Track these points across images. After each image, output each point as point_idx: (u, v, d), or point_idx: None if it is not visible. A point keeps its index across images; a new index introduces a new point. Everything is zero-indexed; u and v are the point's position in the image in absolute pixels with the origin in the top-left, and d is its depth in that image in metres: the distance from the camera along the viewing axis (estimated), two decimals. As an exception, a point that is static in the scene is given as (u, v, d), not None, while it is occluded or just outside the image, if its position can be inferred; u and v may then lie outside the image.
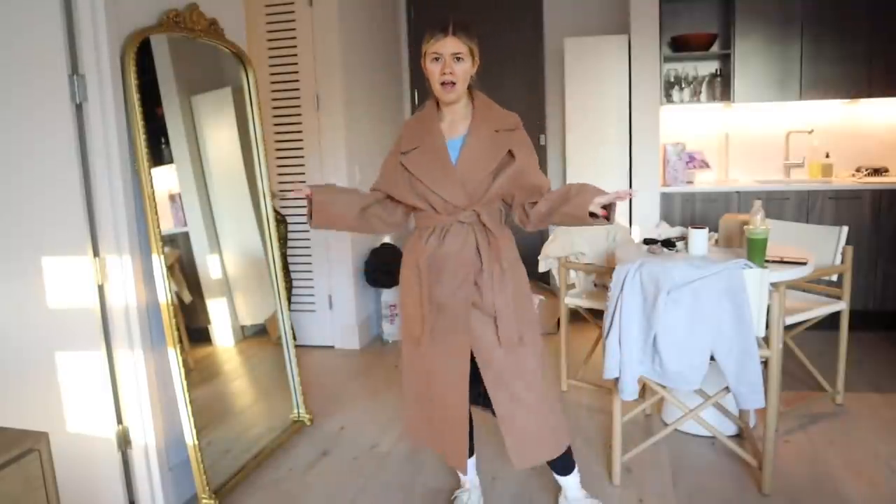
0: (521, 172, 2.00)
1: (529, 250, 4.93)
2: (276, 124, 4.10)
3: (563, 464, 2.19)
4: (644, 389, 2.80)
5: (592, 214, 1.94)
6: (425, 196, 1.99)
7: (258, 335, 3.02)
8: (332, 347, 4.26)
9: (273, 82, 4.05)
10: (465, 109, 2.02)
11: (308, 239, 4.19)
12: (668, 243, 2.81)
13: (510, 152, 1.98)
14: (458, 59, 1.90)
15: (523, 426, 2.05)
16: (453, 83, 1.91)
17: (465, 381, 2.03)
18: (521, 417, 2.05)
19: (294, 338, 3.20)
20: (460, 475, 2.38)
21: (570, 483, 2.24)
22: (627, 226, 4.30)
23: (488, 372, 2.03)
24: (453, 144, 1.99)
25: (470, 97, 2.03)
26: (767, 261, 2.59)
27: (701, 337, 2.24)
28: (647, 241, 2.91)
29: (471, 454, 2.30)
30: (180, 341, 2.34)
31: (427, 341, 2.04)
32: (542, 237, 4.81)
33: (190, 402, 2.35)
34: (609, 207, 1.96)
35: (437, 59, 1.91)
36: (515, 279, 2.06)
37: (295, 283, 4.21)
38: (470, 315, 2.01)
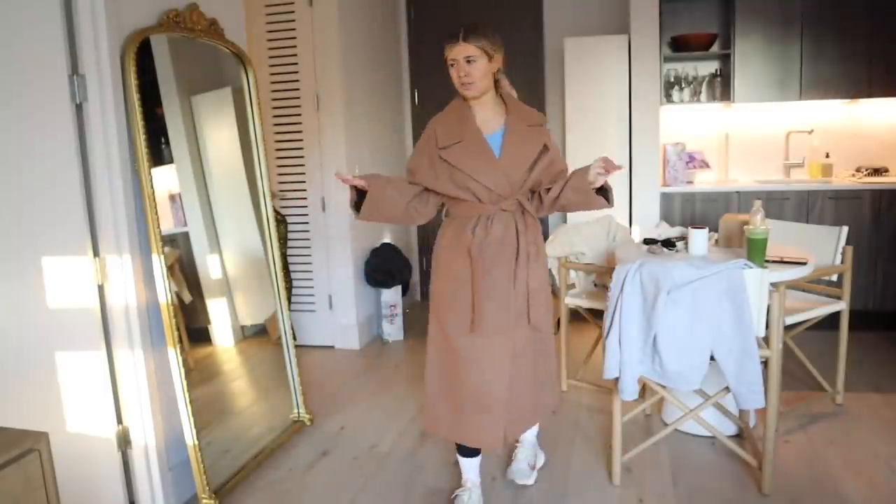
0: (553, 162, 2.21)
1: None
2: (276, 124, 4.10)
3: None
4: (644, 389, 2.80)
5: (598, 191, 2.12)
6: (468, 187, 2.12)
7: (258, 335, 3.02)
8: (332, 347, 4.26)
9: (273, 82, 4.05)
10: (495, 106, 2.21)
11: (308, 239, 4.19)
12: (668, 243, 2.81)
13: (545, 145, 2.18)
14: (471, 61, 2.07)
15: (524, 403, 2.23)
16: (471, 82, 2.09)
17: (509, 362, 2.17)
18: (528, 395, 2.24)
19: (294, 338, 3.20)
20: (468, 475, 2.37)
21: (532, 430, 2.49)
22: (627, 226, 4.30)
23: (524, 353, 2.21)
24: (491, 139, 2.15)
25: (499, 94, 2.22)
26: (767, 261, 2.59)
27: (701, 337, 2.24)
28: (647, 241, 2.91)
29: (476, 454, 2.33)
30: (180, 341, 2.34)
31: (478, 328, 2.13)
32: (543, 237, 4.81)
33: (190, 402, 2.35)
34: (606, 184, 2.14)
35: (453, 65, 2.10)
36: (542, 263, 2.25)
37: (295, 283, 4.21)
38: (517, 297, 2.16)
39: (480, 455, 2.37)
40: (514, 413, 2.21)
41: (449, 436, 2.29)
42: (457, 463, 2.69)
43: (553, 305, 2.37)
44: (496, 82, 2.20)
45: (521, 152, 2.14)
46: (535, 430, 2.57)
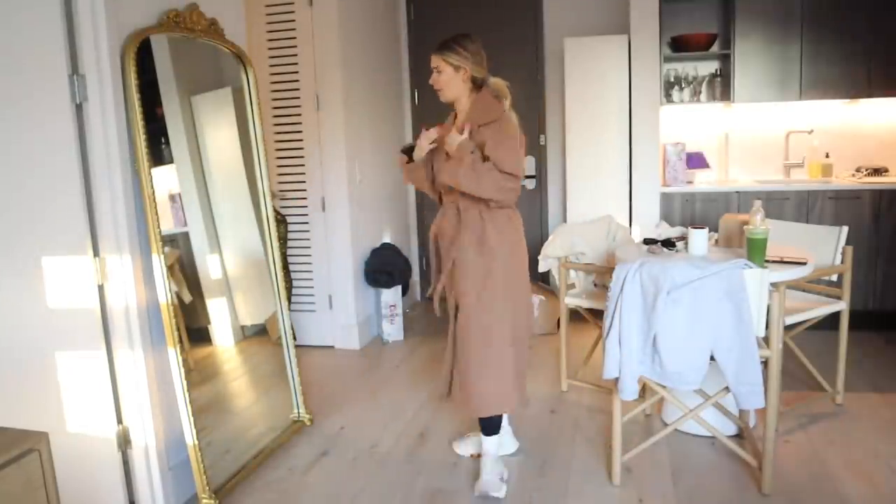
0: (484, 147, 2.34)
1: (529, 250, 4.94)
2: (276, 124, 4.10)
3: (487, 423, 2.49)
4: (644, 389, 2.80)
5: None
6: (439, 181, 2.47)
7: (258, 335, 3.02)
8: (332, 347, 4.26)
9: (273, 82, 4.05)
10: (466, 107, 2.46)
11: (308, 239, 4.19)
12: (668, 243, 2.81)
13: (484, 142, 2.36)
14: (438, 71, 2.42)
15: (466, 383, 2.42)
16: (439, 90, 2.44)
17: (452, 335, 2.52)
18: (471, 376, 2.42)
19: (294, 338, 3.20)
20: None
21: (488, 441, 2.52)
22: (627, 226, 4.30)
23: (461, 333, 2.43)
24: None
25: (476, 97, 2.43)
26: (767, 261, 2.59)
27: (701, 337, 2.24)
28: (647, 241, 2.91)
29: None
30: (180, 341, 2.34)
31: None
32: (542, 237, 4.82)
33: (190, 402, 2.35)
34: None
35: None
36: (502, 261, 2.41)
37: (295, 283, 4.21)
38: (453, 281, 2.47)
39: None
40: (457, 385, 2.48)
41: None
42: (456, 463, 2.70)
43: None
44: (480, 87, 2.43)
45: None
46: (493, 443, 2.49)
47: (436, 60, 2.42)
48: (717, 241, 2.93)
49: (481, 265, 2.37)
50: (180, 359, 2.33)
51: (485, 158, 2.31)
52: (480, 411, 2.43)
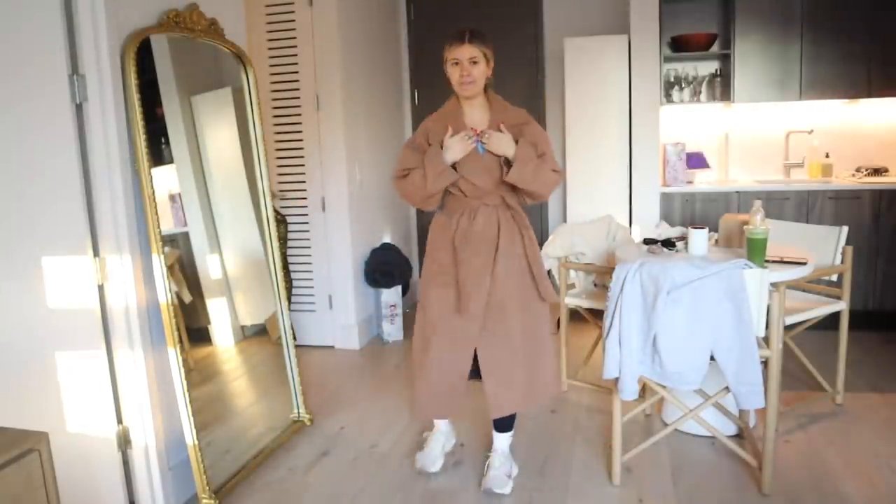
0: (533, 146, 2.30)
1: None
2: (276, 124, 4.10)
3: (510, 419, 2.52)
4: (644, 389, 2.80)
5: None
6: (457, 183, 2.32)
7: (258, 335, 3.02)
8: (332, 347, 4.26)
9: (273, 82, 4.05)
10: (483, 107, 2.38)
11: (308, 239, 4.19)
12: (668, 243, 2.81)
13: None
14: (475, 62, 2.25)
15: (510, 378, 2.35)
16: (472, 82, 2.27)
17: (473, 344, 2.36)
18: (517, 371, 2.35)
19: (294, 338, 3.20)
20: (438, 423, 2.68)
21: (507, 438, 2.55)
22: (627, 226, 4.30)
23: (499, 328, 2.33)
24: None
25: (486, 97, 2.38)
26: (767, 261, 2.59)
27: (701, 337, 2.24)
28: (647, 241, 2.91)
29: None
30: (180, 341, 2.34)
31: (465, 310, 2.31)
32: (543, 237, 4.81)
33: (190, 402, 2.35)
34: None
35: (456, 63, 2.27)
36: (534, 249, 2.40)
37: (295, 283, 4.21)
38: (486, 287, 2.31)
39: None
40: (502, 387, 2.35)
41: (438, 414, 2.53)
42: (456, 463, 2.70)
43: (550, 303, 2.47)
44: (485, 86, 2.36)
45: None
46: (508, 440, 2.55)
47: (472, 50, 2.24)
48: (717, 241, 2.93)
49: (520, 267, 2.37)
50: (180, 359, 2.33)
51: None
52: (541, 398, 2.47)
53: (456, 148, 2.27)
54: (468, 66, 2.24)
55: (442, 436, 2.68)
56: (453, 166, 2.29)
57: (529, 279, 2.38)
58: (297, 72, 4.03)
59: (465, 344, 2.35)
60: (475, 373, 2.38)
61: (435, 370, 2.37)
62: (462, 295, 2.31)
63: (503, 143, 2.26)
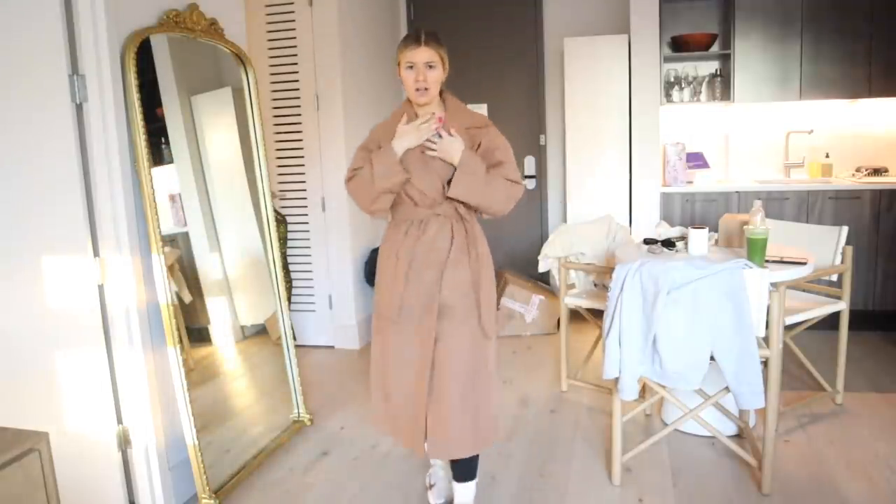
0: (488, 152, 2.11)
1: (529, 250, 4.95)
2: (276, 124, 4.10)
3: (471, 465, 2.24)
4: (644, 389, 2.80)
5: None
6: (405, 190, 2.10)
7: (258, 335, 3.02)
8: (332, 347, 4.26)
9: (273, 82, 4.05)
10: (438, 110, 2.15)
11: (308, 239, 4.19)
12: (668, 243, 2.81)
13: (480, 145, 2.12)
14: (431, 66, 2.05)
15: (462, 418, 2.09)
16: (426, 88, 2.06)
17: (429, 367, 2.08)
18: (464, 410, 2.09)
19: (294, 338, 3.20)
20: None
21: (469, 488, 2.27)
22: (627, 226, 4.30)
23: (452, 361, 2.08)
24: None
25: (442, 99, 2.18)
26: (767, 261, 2.59)
27: (701, 337, 2.24)
28: (647, 241, 2.91)
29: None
30: (180, 341, 2.34)
31: (398, 328, 2.12)
32: (542, 237, 4.82)
33: (190, 402, 2.35)
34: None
35: (410, 67, 2.06)
36: (488, 271, 2.17)
37: (295, 283, 4.21)
38: (437, 304, 2.08)
39: None
40: (437, 427, 2.08)
41: (389, 433, 2.25)
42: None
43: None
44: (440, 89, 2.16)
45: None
46: (472, 491, 2.28)
47: (428, 53, 2.03)
48: (717, 241, 2.93)
49: (472, 282, 2.12)
50: (180, 359, 2.33)
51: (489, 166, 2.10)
52: (485, 445, 2.17)
53: (411, 135, 2.05)
54: (424, 70, 2.03)
55: (441, 469, 2.44)
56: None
57: (474, 305, 2.11)
58: (297, 72, 4.03)
59: (414, 366, 2.12)
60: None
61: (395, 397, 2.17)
62: (401, 307, 2.10)
63: (452, 148, 2.04)
